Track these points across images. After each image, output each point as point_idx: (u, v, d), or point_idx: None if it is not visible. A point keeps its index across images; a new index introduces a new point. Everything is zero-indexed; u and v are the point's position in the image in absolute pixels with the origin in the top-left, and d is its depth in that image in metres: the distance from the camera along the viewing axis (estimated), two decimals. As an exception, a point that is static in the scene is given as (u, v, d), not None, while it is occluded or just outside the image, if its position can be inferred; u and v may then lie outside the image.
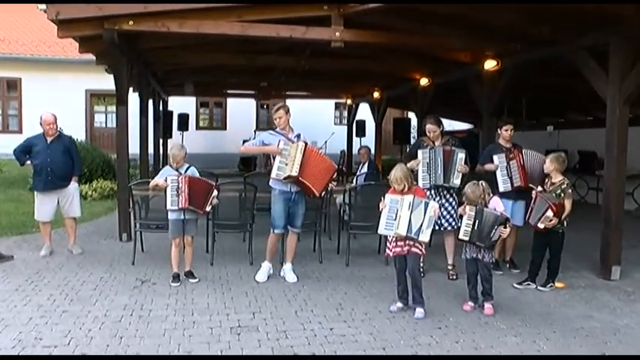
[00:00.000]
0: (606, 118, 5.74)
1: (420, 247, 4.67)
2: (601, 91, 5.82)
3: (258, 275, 5.65)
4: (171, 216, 5.43)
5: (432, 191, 5.74)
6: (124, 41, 6.48)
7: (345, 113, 18.99)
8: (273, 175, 5.42)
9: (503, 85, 7.69)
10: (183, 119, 13.54)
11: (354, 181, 8.09)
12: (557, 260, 5.43)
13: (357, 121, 15.12)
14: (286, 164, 5.32)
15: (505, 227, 4.70)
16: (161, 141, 12.34)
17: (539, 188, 5.41)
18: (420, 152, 5.81)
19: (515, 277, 5.76)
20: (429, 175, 5.73)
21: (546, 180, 5.48)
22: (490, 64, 7.72)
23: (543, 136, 12.33)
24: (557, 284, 5.46)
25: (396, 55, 9.15)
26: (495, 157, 5.94)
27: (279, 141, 5.42)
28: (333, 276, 5.84)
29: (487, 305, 4.74)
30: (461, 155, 5.66)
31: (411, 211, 4.55)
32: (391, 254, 4.81)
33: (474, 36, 6.90)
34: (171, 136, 13.20)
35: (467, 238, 4.74)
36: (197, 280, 5.48)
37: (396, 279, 4.83)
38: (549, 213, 5.11)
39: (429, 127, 5.81)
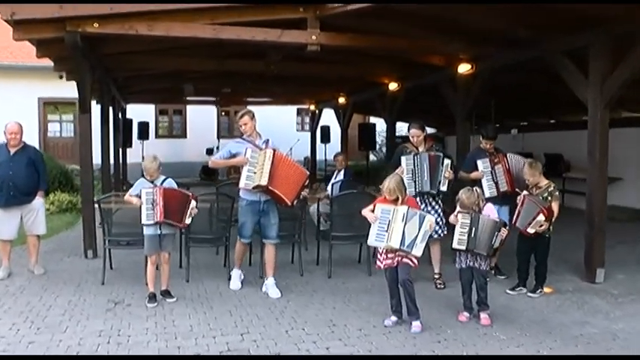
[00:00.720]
0: (588, 121, 5.76)
1: (412, 258, 4.49)
2: (581, 95, 5.84)
3: (231, 284, 5.54)
4: (146, 231, 5.06)
5: (417, 198, 5.57)
6: (86, 45, 6.05)
7: (307, 119, 18.78)
8: (241, 184, 5.24)
9: (478, 88, 7.66)
10: (144, 128, 12.96)
11: (330, 189, 7.86)
12: (545, 265, 5.37)
13: (321, 127, 14.94)
14: (255, 173, 5.13)
15: (503, 231, 4.59)
16: (121, 150, 11.75)
17: (525, 192, 5.34)
18: (403, 159, 5.64)
19: (503, 283, 5.67)
20: (415, 181, 5.58)
21: (529, 185, 5.41)
22: (464, 68, 7.68)
23: (507, 140, 12.44)
24: (546, 289, 5.40)
25: (366, 59, 9.01)
26: (480, 162, 5.85)
27: (246, 149, 5.22)
28: (317, 289, 5.60)
29: (483, 315, 4.61)
30: (447, 161, 5.54)
31: (405, 223, 4.36)
32: (382, 266, 4.61)
33: (452, 38, 6.83)
34: (131, 146, 12.62)
35: (463, 247, 4.59)
36: (175, 299, 5.13)
37: (388, 292, 4.63)
38: (540, 217, 5.02)
39: (412, 131, 5.67)
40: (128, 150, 12.46)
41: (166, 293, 5.18)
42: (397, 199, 4.49)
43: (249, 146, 5.24)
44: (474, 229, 4.55)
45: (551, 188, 5.29)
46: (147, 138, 12.97)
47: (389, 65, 9.31)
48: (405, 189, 4.62)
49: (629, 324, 4.56)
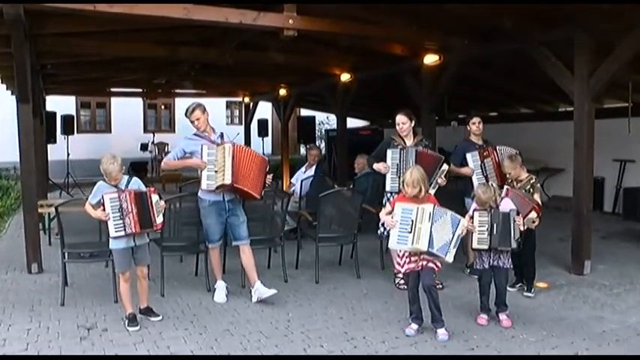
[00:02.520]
0: (574, 113, 5.75)
1: (437, 261, 4.18)
2: (566, 87, 5.82)
3: (216, 297, 4.98)
4: (115, 245, 4.27)
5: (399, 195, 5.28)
6: (28, 21, 5.08)
7: (237, 112, 17.95)
8: (203, 186, 4.78)
9: (447, 80, 7.50)
10: (68, 122, 11.52)
11: (298, 184, 7.37)
12: (533, 262, 5.19)
13: (258, 120, 14.30)
14: (216, 171, 4.68)
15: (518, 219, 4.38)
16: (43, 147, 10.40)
17: (507, 186, 5.17)
18: (389, 152, 5.27)
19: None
20: (399, 177, 5.22)
21: (508, 178, 5.28)
22: (431, 59, 7.48)
23: (448, 132, 12.51)
24: (541, 284, 5.32)
25: (318, 49, 8.55)
26: (469, 156, 5.66)
27: (202, 146, 4.73)
28: (311, 297, 5.13)
29: (503, 316, 4.40)
30: (445, 167, 5.26)
31: (432, 224, 4.02)
32: (402, 271, 4.26)
33: (431, 28, 6.58)
34: (55, 141, 11.22)
35: (485, 246, 4.33)
36: (159, 317, 4.44)
37: (409, 298, 4.27)
38: (533, 214, 4.86)
39: (399, 118, 5.30)
40: (50, 146, 11.06)
41: (148, 311, 4.48)
42: (419, 192, 4.15)
43: (205, 143, 4.74)
44: (495, 225, 4.31)
45: (533, 180, 5.17)
46: (72, 133, 11.58)
47: (342, 55, 8.90)
48: (428, 182, 4.29)
49: (640, 316, 4.57)
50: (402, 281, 5.37)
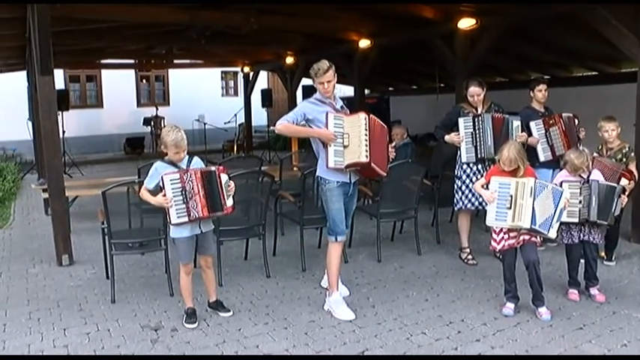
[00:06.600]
0: (638, 78, 5.46)
1: (537, 235, 3.89)
2: (627, 50, 5.53)
3: (341, 313, 3.97)
4: (178, 233, 3.78)
5: (479, 166, 4.97)
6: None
7: (232, 83, 17.17)
8: (330, 163, 3.88)
9: (485, 45, 7.12)
10: (63, 96, 10.52)
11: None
12: (618, 229, 4.91)
13: (262, 91, 13.61)
14: (345, 146, 3.86)
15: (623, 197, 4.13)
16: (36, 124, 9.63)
17: (595, 154, 4.89)
18: (460, 121, 4.95)
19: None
20: (475, 147, 4.93)
21: (600, 146, 4.98)
22: (467, 23, 7.08)
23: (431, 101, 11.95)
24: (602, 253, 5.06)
25: (335, 11, 7.96)
26: (532, 125, 5.31)
27: (327, 114, 3.88)
28: (382, 279, 4.79)
29: (595, 291, 4.18)
30: (517, 123, 4.95)
31: (534, 199, 3.71)
32: (498, 248, 3.95)
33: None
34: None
35: (575, 219, 4.03)
36: (230, 312, 4.02)
37: (505, 276, 4.01)
38: (623, 182, 4.60)
39: (472, 89, 4.95)
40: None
41: (218, 305, 4.06)
42: (517, 169, 3.84)
43: (330, 110, 3.95)
44: (594, 197, 4.01)
45: (626, 149, 4.82)
46: (67, 109, 10.70)
47: (362, 19, 8.33)
48: (526, 157, 3.96)
49: None
50: (470, 256, 5.15)
